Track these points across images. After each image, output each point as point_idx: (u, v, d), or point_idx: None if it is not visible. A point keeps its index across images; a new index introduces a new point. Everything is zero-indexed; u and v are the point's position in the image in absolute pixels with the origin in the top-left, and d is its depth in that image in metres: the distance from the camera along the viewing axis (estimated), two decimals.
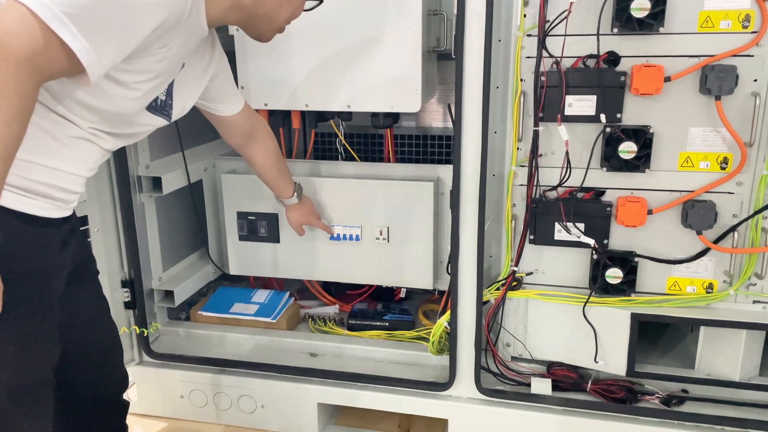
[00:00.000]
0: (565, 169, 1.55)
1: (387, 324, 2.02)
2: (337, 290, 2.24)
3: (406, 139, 2.41)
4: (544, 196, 1.60)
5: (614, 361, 1.64)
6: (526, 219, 1.62)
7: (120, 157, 1.77)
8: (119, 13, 0.92)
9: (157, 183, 1.91)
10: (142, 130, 1.24)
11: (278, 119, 2.10)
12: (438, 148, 2.45)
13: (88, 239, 1.72)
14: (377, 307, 2.12)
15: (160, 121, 1.24)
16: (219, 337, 2.01)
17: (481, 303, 1.61)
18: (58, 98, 1.04)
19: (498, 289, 1.67)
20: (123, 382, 1.48)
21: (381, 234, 1.99)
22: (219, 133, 1.60)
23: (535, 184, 1.58)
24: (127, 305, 1.86)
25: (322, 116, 2.09)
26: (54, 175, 1.08)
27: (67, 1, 0.87)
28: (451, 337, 1.66)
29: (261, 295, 2.13)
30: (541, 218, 1.62)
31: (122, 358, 1.49)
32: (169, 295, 2.01)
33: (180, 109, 1.28)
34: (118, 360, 1.48)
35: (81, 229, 1.68)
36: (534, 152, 1.56)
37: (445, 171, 1.97)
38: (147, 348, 1.89)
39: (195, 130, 2.16)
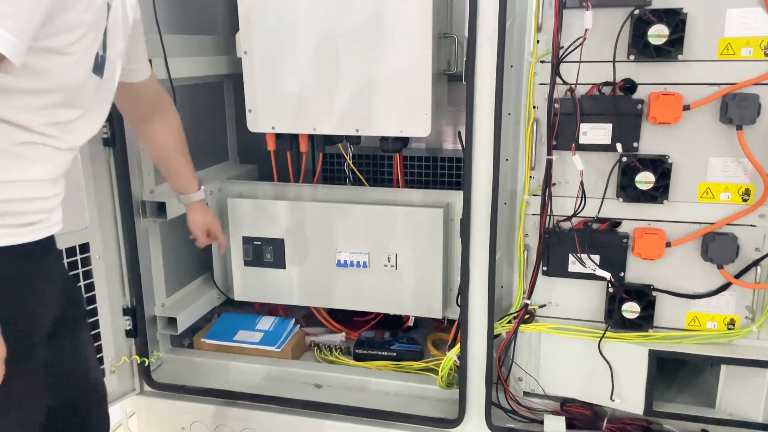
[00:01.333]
0: (579, 199, 1.49)
1: (394, 354, 1.97)
2: (343, 317, 2.19)
3: (416, 160, 2.36)
4: (558, 227, 1.54)
5: (631, 399, 1.58)
6: (539, 250, 1.57)
7: (123, 181, 1.73)
8: None
9: (161, 208, 1.87)
10: (91, 103, 1.11)
11: (286, 142, 2.07)
12: (448, 170, 2.40)
13: (88, 270, 1.68)
14: (385, 335, 2.07)
15: (96, 80, 1.09)
16: (222, 366, 1.96)
17: (492, 337, 1.55)
18: (1, 104, 0.94)
19: (510, 322, 1.61)
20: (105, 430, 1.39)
21: (389, 261, 1.94)
22: (119, 108, 1.43)
23: (548, 213, 1.53)
24: (129, 333, 1.82)
25: (330, 139, 2.06)
26: (15, 188, 0.99)
27: None
28: (460, 372, 1.60)
29: (266, 322, 2.08)
30: (555, 249, 1.57)
31: (106, 408, 1.40)
32: (172, 321, 1.96)
33: (111, 62, 1.13)
34: (102, 411, 1.38)
35: (81, 257, 1.66)
36: (547, 181, 1.51)
37: (456, 197, 1.92)
38: (148, 377, 1.85)
39: (201, 153, 2.13)
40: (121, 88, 1.28)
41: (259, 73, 1.88)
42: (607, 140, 1.48)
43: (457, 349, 1.64)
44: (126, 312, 1.81)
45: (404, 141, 2.01)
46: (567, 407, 1.65)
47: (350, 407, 1.73)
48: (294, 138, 2.05)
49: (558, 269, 1.58)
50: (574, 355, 1.61)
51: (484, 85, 1.43)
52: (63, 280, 1.18)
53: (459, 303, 1.63)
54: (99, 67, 1.08)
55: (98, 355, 1.72)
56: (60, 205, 1.10)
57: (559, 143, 1.50)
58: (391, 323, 2.14)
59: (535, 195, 1.57)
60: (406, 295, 1.95)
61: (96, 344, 1.71)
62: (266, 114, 1.93)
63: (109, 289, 1.75)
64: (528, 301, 1.59)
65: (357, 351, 1.99)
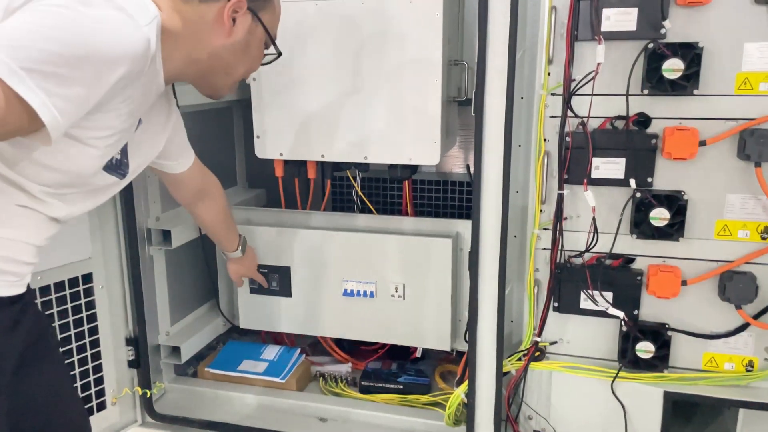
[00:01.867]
0: (592, 235, 1.45)
1: (401, 387, 1.92)
2: (350, 346, 2.15)
3: (426, 184, 2.33)
4: (569, 262, 1.50)
5: None
6: (550, 285, 1.52)
7: (128, 209, 1.72)
8: (79, 68, 0.87)
9: (166, 236, 1.85)
10: (95, 188, 1.16)
11: (293, 169, 2.05)
12: (459, 194, 2.36)
13: (90, 301, 1.66)
14: (392, 366, 2.02)
15: (114, 181, 1.16)
16: (226, 397, 1.93)
17: (501, 375, 1.51)
18: (9, 162, 0.98)
19: (519, 359, 1.57)
20: None
21: (396, 291, 1.90)
22: (169, 190, 1.56)
23: (559, 248, 1.49)
24: (131, 364, 1.79)
25: (338, 166, 2.03)
26: (3, 245, 1.02)
27: (24, 56, 0.81)
28: (468, 410, 1.55)
29: (271, 352, 2.05)
30: (566, 285, 1.52)
31: None
32: (176, 350, 1.93)
33: (135, 167, 1.21)
34: None
35: (84, 287, 1.64)
36: (558, 216, 1.47)
37: (465, 226, 1.88)
38: (150, 409, 1.81)
39: None
40: (165, 177, 1.47)
41: (267, 99, 1.87)
42: (620, 175, 1.44)
43: (464, 386, 1.59)
44: (129, 342, 1.78)
45: (413, 168, 1.98)
46: None
47: None
48: (302, 164, 2.03)
49: (569, 306, 1.54)
50: (586, 394, 1.56)
51: (494, 117, 1.40)
52: (33, 322, 1.15)
53: (467, 339, 1.59)
54: (109, 167, 1.13)
55: (99, 387, 1.70)
56: (30, 274, 1.11)
57: (571, 177, 1.46)
58: (399, 353, 2.09)
59: (545, 229, 1.53)
60: (413, 325, 1.91)
61: (97, 375, 1.69)
62: (274, 140, 1.91)
63: (111, 319, 1.73)
64: (538, 339, 1.55)
65: (363, 383, 1.95)
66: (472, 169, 1.50)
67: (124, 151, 1.15)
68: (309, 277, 1.96)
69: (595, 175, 1.45)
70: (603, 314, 1.51)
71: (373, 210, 2.09)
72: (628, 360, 1.50)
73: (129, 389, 1.77)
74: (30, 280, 1.11)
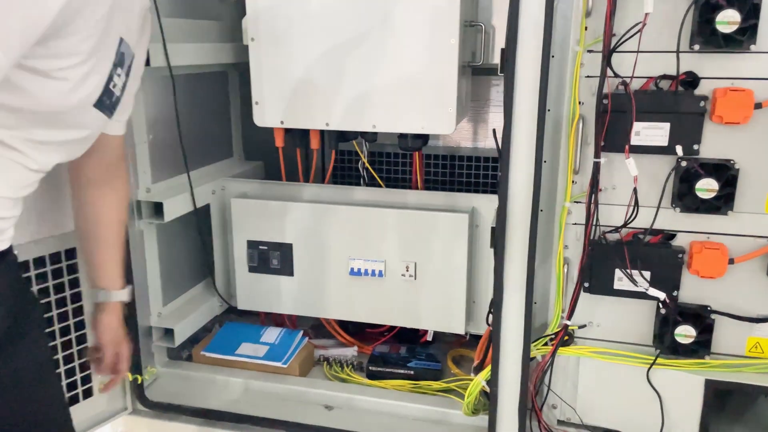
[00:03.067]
0: (632, 208, 1.31)
1: (411, 372, 1.79)
2: (355, 328, 2.02)
3: (432, 159, 2.18)
4: (604, 238, 1.37)
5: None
6: (581, 264, 1.39)
7: None
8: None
9: (158, 208, 1.70)
10: (81, 135, 1.02)
11: (295, 138, 1.90)
12: (467, 170, 2.22)
13: (74, 279, 1.51)
14: (400, 351, 1.89)
15: (102, 118, 1.02)
16: (223, 383, 1.79)
17: (528, 361, 1.38)
18: None
19: (546, 344, 1.44)
20: None
21: (407, 270, 1.76)
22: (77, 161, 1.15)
23: (594, 223, 1.35)
24: None
25: (343, 136, 1.88)
26: None
27: None
28: (491, 400, 1.42)
29: (271, 334, 1.91)
30: (599, 263, 1.39)
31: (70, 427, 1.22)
32: (169, 333, 1.79)
33: (125, 104, 1.07)
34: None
35: (67, 263, 1.49)
36: (594, 187, 1.33)
37: (481, 201, 1.75)
38: (141, 396, 1.68)
39: (202, 148, 1.97)
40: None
41: (268, 62, 1.71)
42: (663, 142, 1.30)
43: (485, 373, 1.46)
44: None
45: (425, 139, 1.84)
46: None
47: None
48: (304, 134, 1.88)
49: (602, 286, 1.41)
50: (617, 382, 1.44)
51: (527, 78, 1.25)
52: (16, 289, 1.04)
53: (489, 323, 1.45)
54: (107, 107, 1.01)
55: (86, 372, 1.56)
56: (13, 227, 0.99)
57: (607, 144, 1.32)
58: (407, 336, 1.96)
59: (576, 202, 1.39)
60: (425, 307, 1.78)
61: (83, 360, 1.54)
62: (274, 107, 1.75)
63: None
64: (568, 322, 1.42)
65: (371, 368, 1.82)
66: (499, 136, 1.36)
67: (123, 88, 1.02)
68: (312, 255, 1.82)
69: (634, 141, 1.30)
70: (639, 295, 1.38)
71: (381, 183, 1.94)
72: (665, 345, 1.38)
73: None
74: (12, 234, 0.98)
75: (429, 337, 1.87)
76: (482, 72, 2.05)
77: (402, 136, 1.81)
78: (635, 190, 1.30)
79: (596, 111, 1.30)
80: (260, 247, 1.85)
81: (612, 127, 1.30)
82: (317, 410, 1.69)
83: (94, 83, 0.96)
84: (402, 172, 2.17)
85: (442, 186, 2.20)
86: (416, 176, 1.97)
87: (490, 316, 1.44)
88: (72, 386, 1.52)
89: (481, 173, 2.21)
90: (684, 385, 1.38)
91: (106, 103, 1.01)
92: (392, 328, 1.96)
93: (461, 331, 1.78)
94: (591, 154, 1.34)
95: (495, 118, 2.16)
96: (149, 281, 1.75)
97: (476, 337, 1.86)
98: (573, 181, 1.37)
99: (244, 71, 1.79)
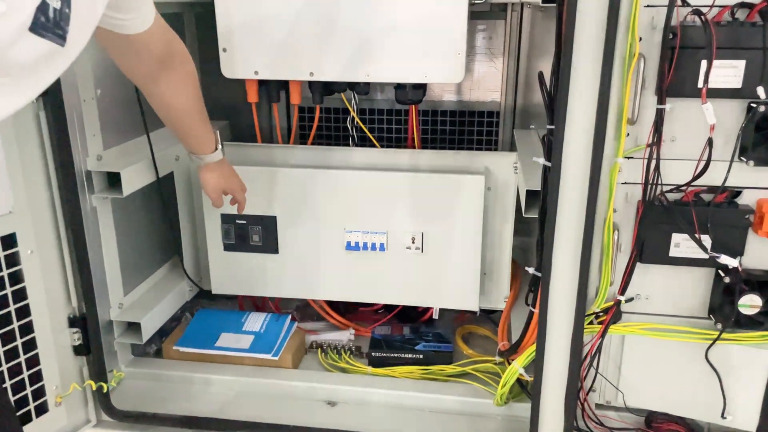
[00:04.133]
0: (704, 162, 1.12)
1: (421, 356, 1.58)
2: (347, 308, 1.79)
3: (430, 116, 1.94)
4: (663, 199, 1.17)
5: (741, 413, 1.25)
6: (637, 230, 1.19)
7: (60, 145, 1.25)
8: None
9: (113, 180, 1.40)
10: (30, 67, 0.72)
11: (272, 92, 1.62)
12: (450, 126, 1.99)
13: (16, 271, 1.20)
14: (404, 332, 1.68)
15: (48, 50, 0.72)
16: (202, 381, 1.53)
17: (580, 347, 1.18)
18: None
19: (591, 323, 1.25)
20: None
21: (413, 242, 1.54)
22: (117, 65, 1.14)
23: (654, 182, 1.15)
24: (78, 350, 1.36)
25: (329, 88, 1.62)
26: None
27: None
28: (533, 390, 1.23)
29: (255, 321, 1.65)
30: (653, 228, 1.20)
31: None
32: (133, 326, 1.51)
33: (82, 23, 0.76)
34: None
35: (5, 253, 1.18)
36: (656, 139, 1.13)
37: (493, 160, 1.53)
38: (106, 404, 1.40)
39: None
40: (114, 42, 1.02)
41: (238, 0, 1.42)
42: (737, 83, 1.10)
43: (524, 359, 1.27)
44: (73, 322, 1.35)
45: (424, 90, 1.60)
46: (656, 424, 1.32)
47: None
48: (283, 86, 1.61)
49: (655, 254, 1.22)
50: (667, 360, 1.27)
51: (590, 4, 1.02)
52: None
53: (530, 303, 1.25)
54: (44, 26, 0.69)
55: (38, 384, 1.27)
56: None
57: (670, 88, 1.12)
58: (407, 314, 1.75)
59: (629, 158, 1.18)
60: (434, 283, 1.56)
61: (33, 370, 1.25)
62: (247, 55, 1.47)
63: (47, 294, 1.28)
64: (621, 297, 1.23)
65: (373, 354, 1.59)
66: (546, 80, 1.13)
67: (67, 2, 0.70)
68: (301, 228, 1.57)
69: (701, 84, 1.10)
70: (697, 263, 1.20)
71: (376, 143, 1.69)
72: (726, 317, 1.21)
73: (78, 384, 1.34)
74: None
75: (435, 315, 1.66)
76: (477, 16, 1.82)
77: (400, 87, 1.57)
78: (710, 142, 1.10)
79: (662, 47, 1.09)
80: (237, 221, 1.58)
81: (680, 68, 1.09)
82: (319, 408, 1.46)
83: (27, 6, 0.66)
84: (395, 131, 1.92)
85: (442, 146, 1.97)
86: (412, 133, 1.73)
87: (531, 295, 1.23)
88: (22, 402, 1.24)
89: (466, 129, 1.98)
90: (747, 361, 1.22)
91: (42, 22, 0.69)
92: (390, 306, 1.73)
93: (475, 309, 1.58)
94: (650, 100, 1.13)
95: (481, 69, 1.93)
96: (107, 267, 1.45)
97: (489, 313, 1.67)
98: (627, 133, 1.17)
99: (207, 12, 1.49)
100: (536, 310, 1.21)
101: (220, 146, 1.37)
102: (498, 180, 1.53)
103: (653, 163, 1.14)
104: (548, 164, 1.12)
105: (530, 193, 1.28)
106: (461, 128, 1.98)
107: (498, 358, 1.46)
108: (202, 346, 1.57)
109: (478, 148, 1.92)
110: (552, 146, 1.08)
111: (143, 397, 1.47)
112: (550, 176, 1.09)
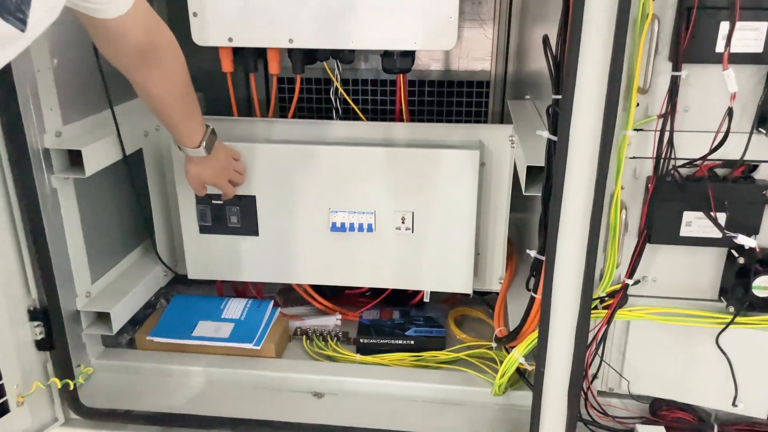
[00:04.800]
0: (721, 135, 1.03)
1: (412, 342, 1.50)
2: (332, 291, 1.69)
3: (417, 86, 1.83)
4: (675, 174, 1.08)
5: (752, 400, 1.19)
6: (646, 209, 1.11)
7: (10, 121, 1.13)
8: None
9: (75, 158, 1.28)
10: None
11: (248, 61, 1.50)
12: (438, 97, 1.88)
13: None
14: (393, 316, 1.59)
15: (10, 33, 0.68)
16: (180, 374, 1.43)
17: (586, 334, 1.10)
18: None
19: (596, 307, 1.17)
20: None
21: (403, 222, 1.44)
22: (100, 51, 1.09)
23: (666, 156, 1.06)
24: (41, 345, 1.25)
25: (310, 57, 1.49)
26: None
27: None
28: (536, 381, 1.14)
29: (235, 307, 1.55)
30: (663, 205, 1.11)
31: None
32: (103, 317, 1.40)
33: (44, 8, 0.72)
34: None
35: None
36: (671, 109, 1.04)
37: (487, 133, 1.43)
38: (74, 402, 1.30)
39: (120, 79, 1.51)
40: (92, 26, 0.98)
41: None
42: (758, 47, 1.01)
43: (524, 347, 1.18)
44: (33, 315, 1.23)
45: (413, 58, 1.49)
46: (662, 412, 1.25)
47: (372, 430, 1.26)
48: (260, 54, 1.49)
49: (665, 234, 1.13)
50: (675, 345, 1.20)
51: None
52: None
53: (531, 288, 1.16)
54: (10, 11, 0.66)
55: None
56: None
57: (686, 53, 1.02)
58: (395, 297, 1.65)
59: (638, 130, 1.09)
60: (425, 265, 1.47)
61: None
62: (220, 20, 1.35)
63: (4, 286, 1.16)
64: (629, 281, 1.14)
65: (361, 340, 1.51)
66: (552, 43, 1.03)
67: None
68: (282, 208, 1.46)
69: (720, 48, 1.01)
70: (709, 243, 1.12)
71: (362, 116, 1.58)
72: (738, 300, 1.14)
73: (41, 383, 1.23)
74: None
75: (426, 298, 1.57)
76: None
77: (387, 55, 1.45)
78: (730, 112, 1.01)
79: (677, 8, 0.99)
80: (213, 201, 1.47)
81: (695, 30, 1.00)
82: (304, 400, 1.37)
83: None
84: (380, 103, 1.81)
85: (429, 117, 1.86)
86: (400, 105, 1.62)
87: (532, 279, 1.15)
88: None
89: (455, 100, 1.88)
90: (756, 345, 1.15)
91: (5, 5, 0.64)
92: (377, 289, 1.64)
93: (468, 291, 1.49)
94: (663, 67, 1.03)
95: (470, 36, 1.82)
96: (71, 253, 1.33)
97: (480, 294, 1.59)
98: (637, 103, 1.07)
99: None
100: (538, 296, 1.12)
101: (204, 143, 1.27)
102: (493, 154, 1.43)
103: (666, 135, 1.05)
104: (554, 138, 1.02)
105: (530, 170, 1.19)
106: (449, 99, 1.87)
107: (494, 344, 1.38)
108: (178, 336, 1.46)
109: (466, 120, 1.82)
110: (558, 118, 0.98)
111: (115, 392, 1.37)
112: (558, 151, 0.99)
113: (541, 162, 1.13)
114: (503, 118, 1.90)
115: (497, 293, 1.56)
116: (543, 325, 1.09)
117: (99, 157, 1.32)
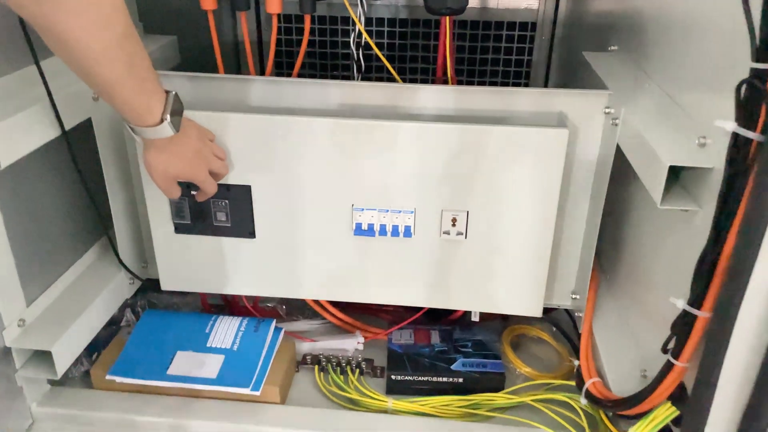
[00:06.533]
0: None
1: (460, 380, 1.14)
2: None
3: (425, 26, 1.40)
4: None
5: None
6: None
7: None
8: None
9: None
10: None
11: None
12: (468, 41, 1.46)
13: None
14: (432, 339, 1.22)
15: None
16: (149, 428, 1.06)
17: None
18: None
19: None
20: None
21: (453, 225, 1.05)
22: None
23: None
24: None
25: None
26: None
27: None
28: None
29: (225, 330, 1.16)
30: None
31: None
32: (43, 357, 1.02)
33: None
34: None
35: None
36: None
37: (569, 102, 1.03)
38: None
39: None
40: None
41: None
42: None
43: (647, 426, 0.82)
44: None
45: None
46: None
47: None
48: None
49: None
50: None
51: None
52: None
53: (668, 349, 0.78)
54: None
55: None
56: None
57: None
58: (431, 310, 1.28)
59: None
60: (479, 281, 1.09)
61: None
62: None
63: None
64: None
65: (392, 377, 1.14)
66: None
67: None
68: (287, 203, 1.06)
69: None
70: None
71: (395, 74, 1.15)
72: None
73: None
74: None
75: (475, 317, 1.20)
76: None
77: None
78: None
79: None
80: (193, 192, 1.06)
81: None
82: None
83: None
84: (410, 60, 1.38)
85: (481, 77, 1.45)
86: (444, 61, 1.19)
87: (673, 339, 0.77)
88: None
89: (492, 45, 1.47)
90: None
91: None
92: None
93: (538, 314, 1.12)
94: None
95: None
96: None
97: (546, 311, 1.21)
98: None
99: None
100: (681, 364, 0.74)
101: (168, 117, 0.84)
102: (579, 134, 1.03)
103: None
104: (751, 135, 0.62)
105: (672, 170, 0.78)
106: (485, 45, 1.46)
107: (583, 401, 1.01)
108: (149, 375, 1.08)
109: (503, 78, 1.41)
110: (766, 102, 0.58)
111: None
112: (762, 156, 0.59)
113: (701, 162, 0.73)
114: (547, 79, 1.50)
115: (566, 311, 1.20)
116: (704, 375, 0.71)
117: (23, 135, 0.90)
